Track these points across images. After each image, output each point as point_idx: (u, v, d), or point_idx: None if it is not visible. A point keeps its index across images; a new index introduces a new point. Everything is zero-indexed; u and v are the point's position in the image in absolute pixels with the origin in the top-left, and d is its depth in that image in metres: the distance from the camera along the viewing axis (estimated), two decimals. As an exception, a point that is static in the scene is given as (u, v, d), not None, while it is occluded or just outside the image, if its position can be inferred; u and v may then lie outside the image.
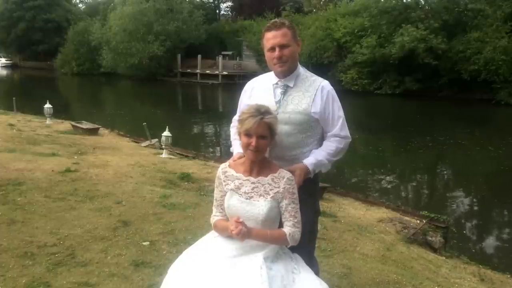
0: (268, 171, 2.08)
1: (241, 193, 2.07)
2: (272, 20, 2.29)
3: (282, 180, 2.05)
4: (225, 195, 2.11)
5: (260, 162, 2.09)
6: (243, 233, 1.89)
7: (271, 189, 2.05)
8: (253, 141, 1.99)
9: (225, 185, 2.12)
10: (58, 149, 7.86)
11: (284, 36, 2.19)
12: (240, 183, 2.09)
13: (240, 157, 2.19)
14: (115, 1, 41.86)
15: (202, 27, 39.27)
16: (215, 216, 2.18)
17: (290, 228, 2.06)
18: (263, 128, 2.00)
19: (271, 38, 2.21)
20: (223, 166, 2.17)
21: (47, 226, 3.82)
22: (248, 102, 2.34)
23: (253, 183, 2.07)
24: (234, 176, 2.11)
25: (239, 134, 2.08)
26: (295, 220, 2.07)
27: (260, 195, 2.05)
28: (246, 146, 2.03)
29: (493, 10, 25.21)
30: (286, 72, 2.26)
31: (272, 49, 2.21)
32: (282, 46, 2.19)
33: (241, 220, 1.94)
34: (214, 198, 2.19)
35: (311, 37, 30.24)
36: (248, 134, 2.00)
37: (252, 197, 2.05)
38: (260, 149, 2.02)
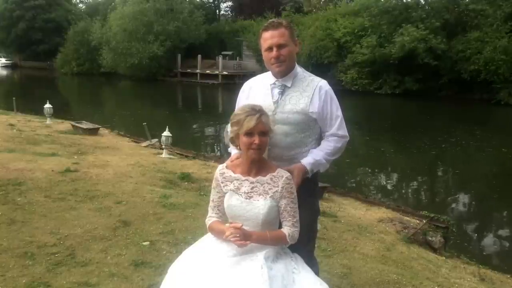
0: (266, 171, 2.09)
1: (241, 193, 2.07)
2: (270, 20, 2.28)
3: (281, 180, 2.06)
4: (223, 196, 2.11)
5: (258, 162, 2.09)
6: (243, 240, 1.91)
7: (270, 189, 2.05)
8: (256, 138, 2.00)
9: (223, 186, 2.12)
10: (58, 149, 7.86)
11: (282, 36, 2.18)
12: (239, 184, 2.09)
13: (237, 158, 2.18)
14: (115, 1, 41.83)
15: (202, 27, 39.24)
16: (211, 218, 2.17)
17: (290, 228, 2.07)
18: (263, 125, 2.01)
19: (268, 38, 2.20)
20: (221, 167, 2.17)
21: (47, 226, 3.82)
22: (246, 102, 2.34)
23: (252, 183, 2.07)
24: (232, 177, 2.11)
25: (236, 136, 2.05)
26: (294, 220, 2.08)
27: (260, 195, 2.05)
28: (248, 146, 2.02)
29: (494, 10, 25.18)
30: (284, 72, 2.25)
31: (270, 49, 2.20)
32: (279, 46, 2.18)
33: (240, 225, 1.95)
34: (211, 200, 2.18)
35: (311, 37, 30.22)
36: (249, 133, 2.00)
37: (251, 196, 2.06)
38: (263, 146, 2.03)
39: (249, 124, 1.99)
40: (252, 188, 2.07)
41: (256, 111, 2.02)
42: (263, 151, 2.06)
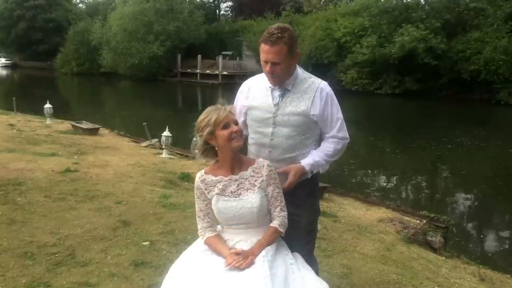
0: (247, 165, 2.09)
1: (228, 194, 2.05)
2: (270, 31, 2.14)
3: (263, 168, 2.07)
4: (210, 203, 2.09)
5: (237, 158, 2.08)
6: (248, 263, 1.91)
7: (255, 180, 2.06)
8: (234, 127, 2.01)
9: (208, 192, 2.09)
10: (58, 149, 7.86)
11: (277, 54, 2.11)
12: (223, 185, 2.07)
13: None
14: (116, 0, 41.81)
15: (202, 27, 39.25)
16: (204, 230, 2.11)
17: (278, 214, 2.09)
18: (233, 114, 2.06)
19: (264, 52, 2.15)
20: (199, 175, 2.13)
21: (47, 226, 3.82)
22: (245, 103, 2.32)
23: (236, 180, 2.07)
24: (214, 180, 2.08)
25: (212, 135, 2.02)
26: (282, 204, 2.10)
27: (247, 189, 2.05)
28: (228, 137, 2.00)
29: (494, 10, 25.21)
30: (278, 84, 2.23)
31: (265, 62, 2.17)
32: (274, 63, 2.14)
33: (239, 250, 1.95)
34: (198, 210, 2.14)
35: (311, 37, 30.23)
36: (225, 125, 2.00)
37: (240, 194, 2.05)
38: (242, 133, 2.06)
39: (221, 115, 2.00)
40: (238, 185, 2.06)
41: (221, 105, 2.06)
42: (243, 139, 2.07)
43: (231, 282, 1.83)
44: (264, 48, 2.15)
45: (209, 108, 2.08)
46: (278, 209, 2.09)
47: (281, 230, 2.08)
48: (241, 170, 2.08)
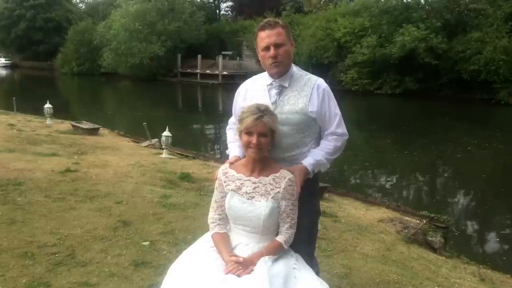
0: (269, 171, 2.08)
1: (242, 193, 2.06)
2: (266, 19, 2.25)
3: (283, 180, 2.06)
4: (225, 196, 2.10)
5: (262, 162, 2.08)
6: (248, 272, 1.91)
7: (271, 189, 2.05)
8: (254, 139, 2.00)
9: (225, 185, 2.11)
10: (58, 149, 7.86)
11: (279, 35, 2.16)
12: (241, 183, 2.08)
13: (236, 160, 2.19)
14: (117, 0, 41.76)
15: (203, 27, 39.26)
16: (215, 224, 2.13)
17: (286, 230, 2.07)
18: (263, 126, 2.01)
19: (265, 37, 2.17)
20: (224, 167, 2.17)
21: (47, 226, 3.82)
22: (243, 104, 2.30)
23: (254, 183, 2.07)
24: (235, 176, 2.11)
25: (240, 133, 2.08)
26: (292, 222, 2.08)
27: (262, 195, 2.05)
28: (247, 145, 2.03)
29: (494, 10, 25.21)
30: (282, 72, 2.23)
31: (267, 48, 2.18)
32: (277, 45, 2.16)
33: (241, 259, 1.95)
34: (213, 200, 2.16)
35: (311, 37, 30.20)
36: (248, 132, 2.01)
37: (253, 197, 2.05)
38: (261, 147, 2.02)
39: (248, 123, 2.00)
40: (254, 188, 2.06)
41: (260, 110, 2.03)
42: (262, 152, 2.05)
43: (229, 284, 1.84)
44: (263, 34, 2.18)
45: (252, 105, 2.08)
46: (287, 225, 2.07)
47: (285, 247, 2.08)
48: (262, 175, 2.08)
